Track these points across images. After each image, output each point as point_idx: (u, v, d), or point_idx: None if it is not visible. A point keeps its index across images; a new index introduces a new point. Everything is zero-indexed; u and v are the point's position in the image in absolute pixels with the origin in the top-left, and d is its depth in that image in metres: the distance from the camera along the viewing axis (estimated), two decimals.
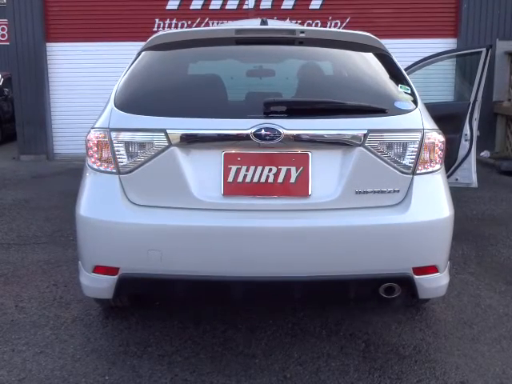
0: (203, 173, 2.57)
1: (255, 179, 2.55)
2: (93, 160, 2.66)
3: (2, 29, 12.63)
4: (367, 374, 2.59)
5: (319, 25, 8.83)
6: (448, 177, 3.75)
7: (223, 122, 2.57)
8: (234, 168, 2.55)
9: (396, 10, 8.91)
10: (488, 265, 4.05)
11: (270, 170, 2.54)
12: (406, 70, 3.38)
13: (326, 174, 2.58)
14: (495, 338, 2.94)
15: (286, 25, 4.84)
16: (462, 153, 4.91)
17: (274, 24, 3.69)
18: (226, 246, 2.52)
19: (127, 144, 2.59)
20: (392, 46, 3.66)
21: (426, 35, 8.88)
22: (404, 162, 2.61)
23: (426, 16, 8.87)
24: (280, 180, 2.55)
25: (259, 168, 2.54)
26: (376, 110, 2.64)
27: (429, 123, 2.69)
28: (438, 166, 2.69)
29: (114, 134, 2.60)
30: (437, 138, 2.67)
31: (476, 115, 4.87)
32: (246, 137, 2.52)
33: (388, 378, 2.57)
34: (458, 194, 5.63)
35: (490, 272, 3.90)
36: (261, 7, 8.96)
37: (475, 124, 4.87)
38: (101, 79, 8.67)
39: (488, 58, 4.85)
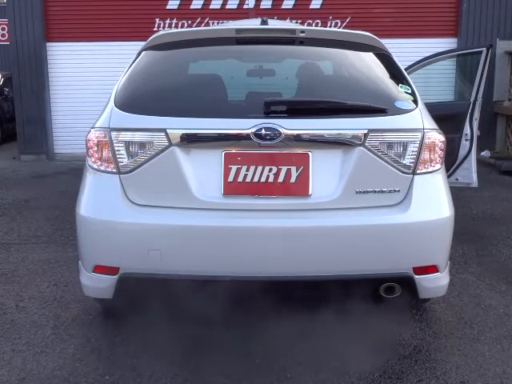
0: (203, 173, 2.57)
1: (255, 179, 2.55)
2: (93, 160, 2.66)
3: (3, 28, 12.63)
4: (367, 374, 2.59)
5: (319, 24, 8.83)
6: (448, 176, 3.75)
7: (223, 121, 2.57)
8: (234, 168, 2.55)
9: (396, 10, 8.91)
10: (488, 264, 4.05)
11: (271, 169, 2.54)
12: (406, 69, 3.38)
13: (326, 173, 2.58)
14: (496, 338, 2.94)
15: (287, 24, 4.83)
16: (462, 152, 4.91)
17: (274, 24, 3.69)
18: (226, 245, 2.52)
19: (127, 144, 2.59)
20: (392, 45, 3.66)
21: (426, 35, 8.88)
22: (404, 162, 2.61)
23: (426, 16, 8.87)
24: (280, 180, 2.55)
25: (259, 168, 2.54)
26: (376, 110, 2.64)
27: (429, 123, 2.69)
28: (438, 166, 2.69)
29: (114, 134, 2.60)
30: (437, 137, 2.67)
31: (476, 115, 4.86)
32: (247, 136, 2.52)
33: (388, 378, 2.56)
34: (458, 194, 5.64)
35: (490, 272, 3.90)
36: (261, 7, 8.96)
37: (475, 124, 4.87)
38: (101, 79, 8.67)
39: (488, 57, 4.84)
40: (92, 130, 2.68)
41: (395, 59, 2.99)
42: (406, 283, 2.63)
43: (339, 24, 8.93)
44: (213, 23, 8.81)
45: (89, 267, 2.66)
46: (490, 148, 8.67)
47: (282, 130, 2.51)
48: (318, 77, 3.11)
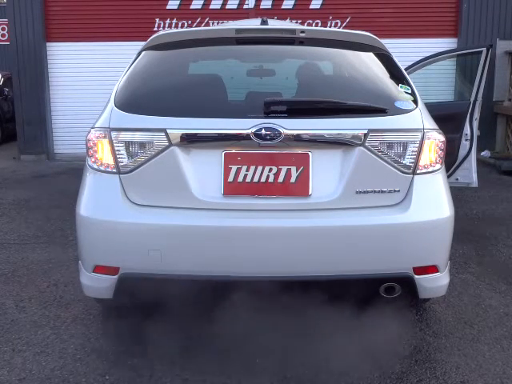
0: (203, 172, 2.57)
1: (255, 179, 2.55)
2: (93, 160, 2.66)
3: (3, 28, 12.63)
4: (367, 374, 2.59)
5: (319, 24, 8.83)
6: (448, 176, 3.75)
7: (223, 121, 2.57)
8: (234, 168, 2.55)
9: (396, 10, 8.90)
10: (488, 264, 4.05)
11: (271, 169, 2.54)
12: (406, 69, 3.38)
13: (326, 173, 2.58)
14: (496, 338, 2.94)
15: (287, 24, 4.84)
16: (462, 152, 4.91)
17: (274, 24, 3.69)
18: (226, 245, 2.52)
19: (127, 144, 2.59)
20: (392, 45, 3.65)
21: (426, 35, 8.87)
22: (404, 162, 2.60)
23: (426, 16, 8.86)
24: (280, 180, 2.55)
25: (259, 168, 2.54)
26: (376, 110, 2.64)
27: (429, 123, 2.69)
28: (438, 166, 2.69)
29: (114, 134, 2.60)
30: (437, 137, 2.67)
31: (476, 115, 4.86)
32: (247, 136, 2.52)
33: (388, 378, 2.56)
34: (458, 194, 5.64)
35: (490, 272, 3.90)
36: (261, 7, 8.96)
37: (475, 124, 4.87)
38: (101, 79, 8.67)
39: (488, 57, 4.84)
40: (92, 129, 2.68)
41: (395, 59, 2.99)
42: (406, 283, 2.63)
43: (339, 24, 8.93)
44: (213, 23, 8.81)
45: (89, 267, 2.66)
46: (490, 148, 8.67)
47: (282, 130, 2.51)
48: (317, 77, 3.11)
